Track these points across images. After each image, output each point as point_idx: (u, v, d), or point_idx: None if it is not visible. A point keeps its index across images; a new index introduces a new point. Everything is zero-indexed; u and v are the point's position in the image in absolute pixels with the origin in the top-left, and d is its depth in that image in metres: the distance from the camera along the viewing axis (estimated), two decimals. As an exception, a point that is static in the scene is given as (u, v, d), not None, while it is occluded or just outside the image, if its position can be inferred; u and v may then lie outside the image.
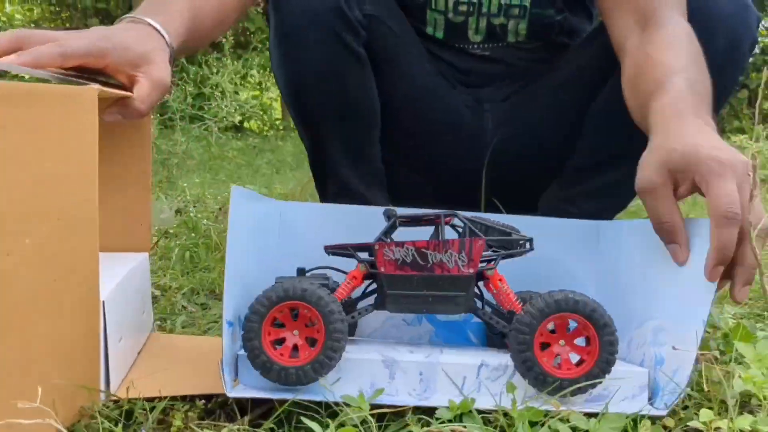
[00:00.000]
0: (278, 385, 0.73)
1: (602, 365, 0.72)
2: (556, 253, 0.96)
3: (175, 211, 1.89)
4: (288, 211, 0.97)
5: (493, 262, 0.81)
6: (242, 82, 5.01)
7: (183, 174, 2.66)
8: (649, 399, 0.75)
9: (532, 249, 0.81)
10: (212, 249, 1.39)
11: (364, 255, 0.81)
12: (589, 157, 1.31)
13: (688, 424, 0.70)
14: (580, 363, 0.74)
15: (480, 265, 0.79)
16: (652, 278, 0.82)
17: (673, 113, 0.86)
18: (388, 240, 0.80)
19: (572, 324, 0.74)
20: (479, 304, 0.84)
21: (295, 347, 0.74)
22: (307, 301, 0.73)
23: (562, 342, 0.74)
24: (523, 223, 0.87)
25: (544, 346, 0.74)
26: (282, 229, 0.96)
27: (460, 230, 0.83)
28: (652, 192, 0.79)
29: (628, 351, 0.84)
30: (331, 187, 1.43)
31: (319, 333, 0.73)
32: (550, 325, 0.74)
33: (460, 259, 0.78)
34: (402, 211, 0.85)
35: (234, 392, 0.72)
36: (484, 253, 0.79)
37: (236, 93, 3.73)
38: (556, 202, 1.37)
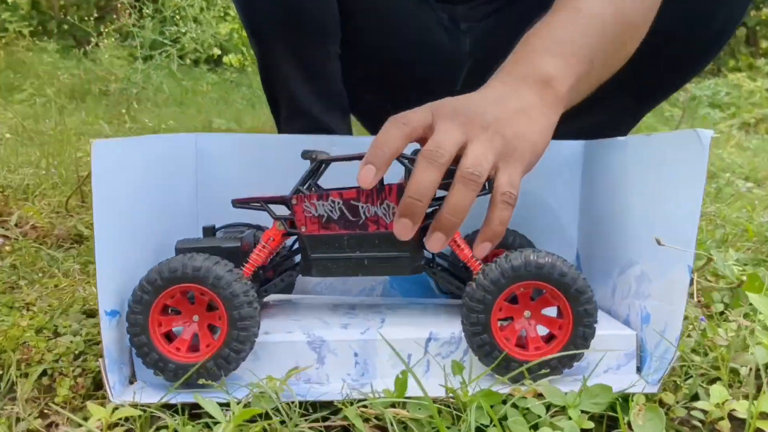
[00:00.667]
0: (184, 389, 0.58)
1: (578, 341, 0.58)
2: (534, 182, 0.80)
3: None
4: (206, 146, 0.81)
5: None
6: (222, 14, 4.77)
7: (149, 108, 2.49)
8: (638, 367, 0.62)
9: (489, 191, 0.62)
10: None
11: (282, 209, 0.64)
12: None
13: (693, 404, 0.55)
14: (550, 339, 0.59)
15: (426, 218, 0.61)
16: (636, 210, 0.66)
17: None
18: (309, 191, 0.63)
19: (538, 291, 0.59)
20: (430, 259, 0.69)
21: (196, 337, 0.59)
22: (201, 283, 0.57)
23: (527, 313, 0.59)
24: None
25: (505, 321, 0.59)
26: (199, 169, 0.81)
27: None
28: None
29: (613, 302, 0.70)
30: (284, 108, 1.28)
31: (221, 320, 0.58)
32: (510, 296, 0.59)
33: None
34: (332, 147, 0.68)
35: (120, 398, 0.56)
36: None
37: (211, 24, 3.49)
38: None
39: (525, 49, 0.71)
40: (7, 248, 0.98)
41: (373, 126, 1.43)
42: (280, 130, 1.34)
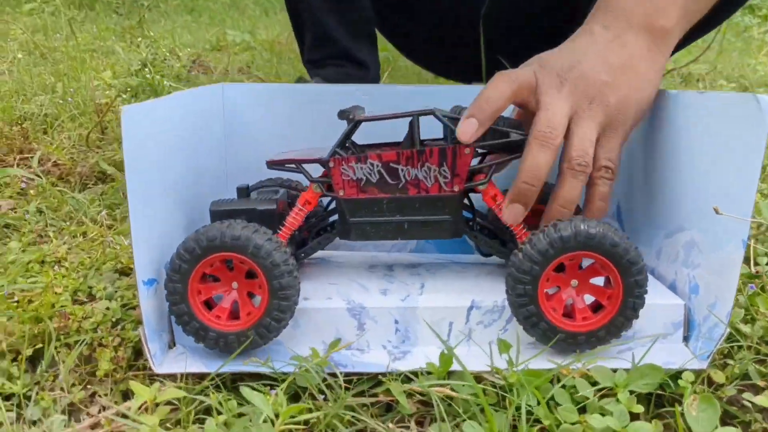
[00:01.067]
0: (225, 357, 0.57)
1: (628, 312, 0.56)
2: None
3: (142, 65, 1.67)
4: (233, 97, 0.78)
5: (485, 174, 0.61)
6: None
7: (159, 17, 2.40)
8: (685, 337, 0.60)
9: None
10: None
11: (317, 170, 0.62)
12: None
13: (746, 381, 0.54)
14: (598, 308, 0.57)
15: (468, 181, 0.60)
16: (687, 172, 0.62)
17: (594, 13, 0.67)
18: (346, 154, 0.61)
19: (587, 260, 0.57)
20: (470, 220, 0.67)
21: (236, 305, 0.58)
22: (241, 252, 0.56)
23: (574, 282, 0.57)
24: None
25: (552, 291, 0.58)
26: (227, 121, 0.78)
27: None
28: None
29: (658, 263, 0.68)
30: (309, 35, 1.23)
31: (261, 289, 0.57)
32: (558, 265, 0.56)
33: (441, 173, 0.60)
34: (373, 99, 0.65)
35: (163, 368, 0.56)
36: (473, 163, 0.60)
37: None
38: None
39: None
40: (32, 191, 0.96)
41: (402, 46, 1.38)
42: (304, 58, 1.29)
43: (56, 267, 0.76)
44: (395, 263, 0.72)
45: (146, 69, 1.58)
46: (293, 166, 0.63)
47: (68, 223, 0.88)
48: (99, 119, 1.17)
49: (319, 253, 0.77)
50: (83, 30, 2.16)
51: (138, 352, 0.61)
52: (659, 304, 0.60)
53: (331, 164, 0.60)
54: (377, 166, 0.60)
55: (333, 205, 0.68)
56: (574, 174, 0.59)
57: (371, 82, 1.28)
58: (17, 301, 0.66)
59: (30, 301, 0.65)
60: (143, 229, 0.56)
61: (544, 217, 0.61)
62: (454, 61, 1.33)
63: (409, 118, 0.61)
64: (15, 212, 0.92)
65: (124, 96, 1.40)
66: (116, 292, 0.69)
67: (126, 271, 0.74)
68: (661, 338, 0.60)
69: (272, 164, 0.64)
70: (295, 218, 0.62)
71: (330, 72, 1.24)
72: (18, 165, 1.07)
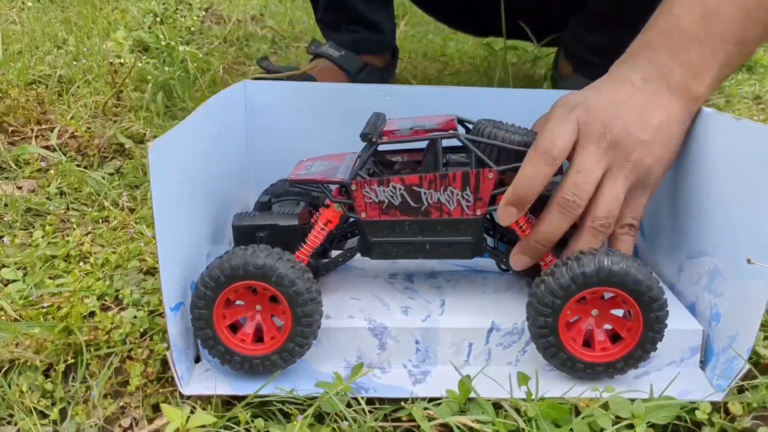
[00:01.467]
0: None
1: (647, 346, 0.57)
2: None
3: (154, 18, 1.64)
4: (255, 95, 0.77)
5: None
6: None
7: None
8: (702, 362, 0.61)
9: (561, 173, 0.61)
10: (191, 84, 1.19)
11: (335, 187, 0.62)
12: (600, 5, 1.08)
13: (763, 413, 0.55)
14: (617, 339, 0.58)
15: (490, 204, 0.60)
16: (718, 198, 0.61)
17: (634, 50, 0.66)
18: (368, 177, 0.61)
19: (608, 294, 0.57)
20: (491, 241, 0.68)
21: (260, 327, 0.59)
22: (265, 281, 0.56)
23: (594, 312, 0.58)
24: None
25: (572, 321, 0.58)
26: (249, 120, 0.77)
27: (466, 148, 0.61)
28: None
29: (678, 280, 0.68)
30: (322, 2, 1.22)
31: (284, 315, 0.57)
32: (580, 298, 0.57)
33: (463, 197, 0.60)
34: (391, 123, 0.63)
35: (190, 388, 0.58)
36: (498, 188, 0.60)
37: None
38: (576, 49, 1.18)
39: (669, 23, 0.64)
40: (52, 171, 0.97)
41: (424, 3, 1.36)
42: (317, 16, 1.27)
43: (81, 263, 0.77)
44: (416, 272, 0.73)
45: (158, 25, 1.56)
46: (315, 186, 0.63)
47: (90, 209, 0.89)
48: (114, 89, 1.16)
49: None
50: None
51: (166, 363, 0.62)
52: (678, 329, 0.61)
53: (354, 187, 0.60)
54: (400, 189, 0.60)
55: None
56: (595, 233, 0.59)
57: (385, 45, 1.26)
58: (46, 308, 0.67)
59: (59, 308, 0.67)
60: (170, 258, 0.57)
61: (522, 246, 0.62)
62: (469, 14, 1.30)
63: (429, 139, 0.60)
64: (36, 194, 0.93)
65: (139, 57, 1.38)
66: (142, 297, 0.70)
67: (150, 271, 0.75)
68: (677, 362, 0.61)
69: (294, 183, 0.64)
70: (317, 237, 0.63)
71: (345, 37, 1.22)
72: (36, 137, 1.07)
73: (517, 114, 0.67)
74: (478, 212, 0.60)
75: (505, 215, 0.59)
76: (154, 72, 1.25)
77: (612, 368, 0.57)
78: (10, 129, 1.08)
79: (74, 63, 1.30)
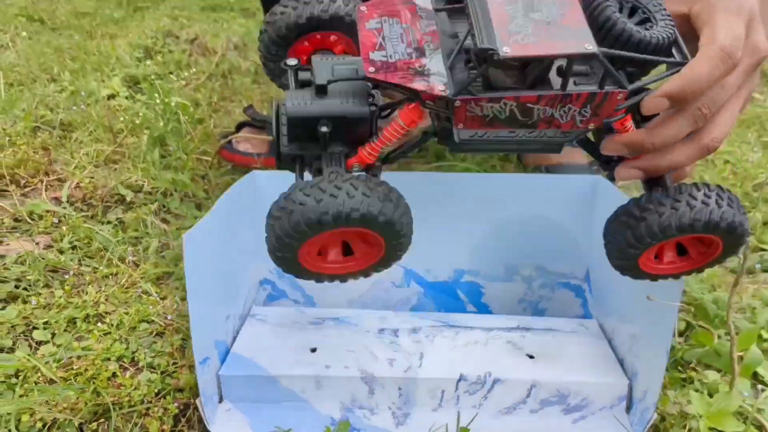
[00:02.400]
0: (263, 411, 0.73)
1: (712, 263, 0.60)
2: (552, 210, 0.92)
3: (144, 52, 1.76)
4: (263, 184, 0.90)
5: (624, 110, 0.57)
6: None
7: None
8: (627, 408, 0.77)
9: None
10: (183, 135, 1.32)
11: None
12: None
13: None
14: (684, 254, 0.61)
15: (609, 118, 0.55)
16: None
17: None
18: (477, 94, 0.51)
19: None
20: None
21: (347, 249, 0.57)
22: (358, 225, 0.52)
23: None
24: (516, 182, 0.85)
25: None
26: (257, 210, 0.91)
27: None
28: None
29: (613, 338, 0.85)
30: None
31: (377, 244, 0.55)
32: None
33: (580, 113, 0.53)
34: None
35: (216, 428, 0.73)
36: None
37: None
38: None
39: None
40: (64, 228, 1.10)
41: None
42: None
43: (99, 323, 0.91)
44: (400, 328, 0.87)
45: (149, 56, 1.68)
46: (402, 90, 0.53)
47: (100, 266, 1.03)
48: (114, 144, 1.29)
49: (337, 313, 0.91)
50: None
51: (176, 418, 0.77)
52: (610, 382, 0.77)
53: (458, 103, 0.51)
54: (511, 105, 0.52)
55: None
56: (703, 150, 0.57)
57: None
58: (75, 369, 0.82)
59: (86, 370, 0.81)
60: (199, 323, 0.71)
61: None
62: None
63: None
64: (52, 249, 1.06)
65: (132, 96, 1.50)
66: (154, 359, 0.84)
67: (160, 333, 0.90)
68: (608, 408, 0.77)
69: (373, 81, 0.53)
70: (392, 135, 0.56)
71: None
72: (46, 188, 1.20)
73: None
74: (591, 126, 0.54)
75: (654, 105, 0.54)
76: (147, 113, 1.37)
77: (673, 277, 0.62)
78: (22, 182, 1.20)
79: (74, 108, 1.42)
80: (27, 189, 1.20)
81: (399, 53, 0.53)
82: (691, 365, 0.85)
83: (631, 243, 0.58)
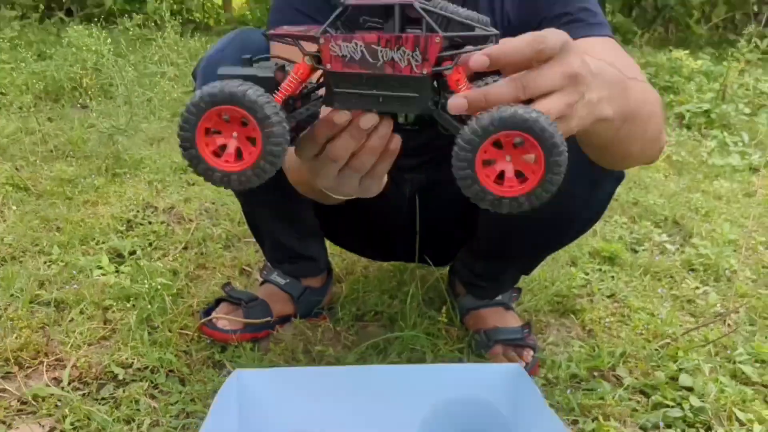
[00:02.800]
0: None
1: (546, 185, 0.70)
2: (476, 396, 1.10)
3: (127, 224, 1.96)
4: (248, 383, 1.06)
5: (451, 60, 0.72)
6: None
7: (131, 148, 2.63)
8: None
9: (497, 43, 0.72)
10: (167, 313, 1.50)
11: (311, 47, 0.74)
12: (480, 246, 1.47)
13: None
14: (523, 178, 0.71)
15: (436, 65, 0.71)
16: None
17: None
18: (335, 32, 0.73)
19: (519, 140, 0.70)
20: (436, 104, 0.76)
21: (239, 152, 0.73)
22: (237, 104, 0.70)
23: (508, 157, 0.71)
24: (445, 374, 1.03)
25: (488, 162, 0.71)
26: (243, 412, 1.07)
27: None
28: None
29: None
30: (267, 243, 1.55)
31: (256, 135, 0.71)
32: (496, 141, 0.70)
33: (413, 57, 0.71)
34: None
35: None
36: (443, 52, 0.71)
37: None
38: (466, 275, 1.56)
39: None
40: (66, 409, 1.25)
41: (344, 244, 1.70)
42: (266, 257, 1.59)
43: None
44: None
45: (130, 228, 1.87)
46: (290, 40, 0.76)
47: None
48: (106, 322, 1.46)
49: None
50: (60, 165, 2.41)
51: None
52: None
53: (322, 40, 0.72)
54: (360, 45, 0.71)
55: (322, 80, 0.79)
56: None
57: (321, 269, 1.60)
58: None
59: None
60: None
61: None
62: (385, 251, 1.66)
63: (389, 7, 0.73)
64: (56, 430, 1.21)
65: (117, 268, 1.69)
66: None
67: None
68: None
69: (273, 36, 0.78)
70: (289, 84, 0.75)
71: (288, 268, 1.56)
72: (47, 370, 1.35)
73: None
74: (425, 71, 0.71)
75: (478, 61, 0.70)
76: (134, 290, 1.55)
77: (516, 202, 0.71)
78: (25, 364, 1.36)
79: (65, 286, 1.60)
80: (29, 370, 1.35)
81: (295, 29, 0.76)
82: None
83: (461, 146, 0.70)
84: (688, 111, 3.51)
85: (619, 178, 1.28)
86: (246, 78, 0.73)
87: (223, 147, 0.74)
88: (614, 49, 1.17)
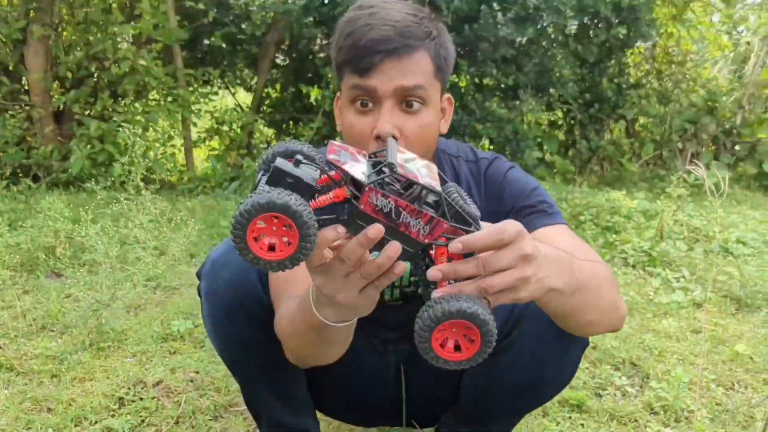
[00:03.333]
0: None
1: (482, 353, 0.96)
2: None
3: (119, 402, 2.02)
4: None
5: (446, 239, 0.96)
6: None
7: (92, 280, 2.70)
8: None
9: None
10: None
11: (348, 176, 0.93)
12: (463, 410, 1.60)
13: None
14: (459, 349, 0.96)
15: (436, 240, 0.95)
16: None
17: None
18: (380, 187, 0.91)
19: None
20: (422, 262, 1.01)
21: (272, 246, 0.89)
22: (283, 213, 0.87)
23: (454, 330, 0.96)
24: None
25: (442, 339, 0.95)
26: None
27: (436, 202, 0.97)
28: None
29: None
30: (265, 422, 1.65)
31: (293, 235, 0.88)
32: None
33: (423, 229, 0.93)
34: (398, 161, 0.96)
35: None
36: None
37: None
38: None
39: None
40: None
41: (333, 414, 1.81)
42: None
43: None
44: None
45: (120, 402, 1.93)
46: (342, 174, 0.95)
47: None
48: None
49: None
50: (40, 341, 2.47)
51: None
52: None
53: (367, 189, 0.91)
54: (392, 204, 0.91)
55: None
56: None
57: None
58: None
59: None
60: None
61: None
62: (373, 416, 1.77)
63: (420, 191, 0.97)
64: None
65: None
66: None
67: None
68: None
69: (330, 163, 0.95)
70: (324, 200, 0.94)
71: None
72: None
73: None
74: (426, 240, 0.95)
75: (455, 246, 0.96)
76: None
77: (459, 364, 0.97)
78: None
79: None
80: None
81: (346, 160, 0.95)
82: None
83: (422, 327, 0.94)
84: (631, 250, 3.77)
85: (584, 345, 1.44)
86: (293, 180, 0.91)
87: (259, 238, 0.90)
88: (569, 234, 1.38)
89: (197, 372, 2.24)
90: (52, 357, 2.31)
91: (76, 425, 1.89)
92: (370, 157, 1.01)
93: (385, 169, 0.94)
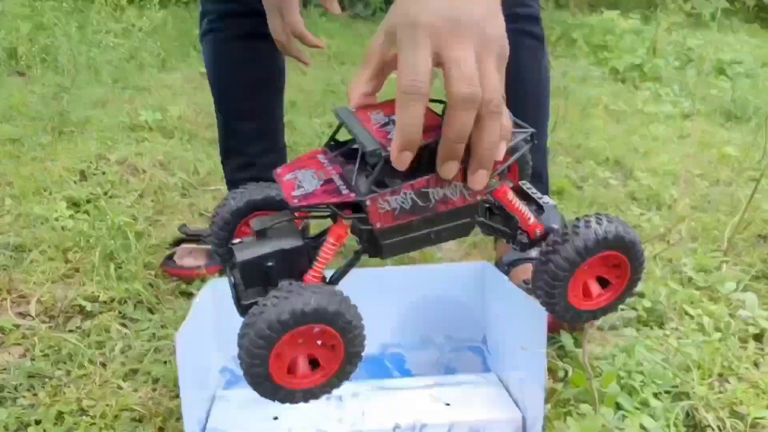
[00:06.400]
0: None
1: (629, 292, 0.73)
2: (452, 291, 1.16)
3: (80, 174, 1.93)
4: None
5: (498, 177, 0.69)
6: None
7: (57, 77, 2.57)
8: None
9: (534, 142, 0.70)
10: (130, 249, 1.50)
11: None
12: None
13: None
14: (607, 283, 0.73)
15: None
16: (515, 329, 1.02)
17: None
18: (381, 190, 0.63)
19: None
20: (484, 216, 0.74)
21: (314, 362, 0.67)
22: (333, 326, 0.63)
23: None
24: (422, 272, 1.09)
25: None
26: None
27: None
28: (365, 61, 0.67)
29: (510, 377, 1.07)
30: (235, 160, 1.52)
31: (337, 348, 0.65)
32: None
33: (465, 187, 0.65)
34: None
35: None
36: None
37: None
38: None
39: None
40: (35, 338, 1.24)
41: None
42: (227, 177, 1.57)
43: (84, 416, 1.06)
44: (343, 394, 1.05)
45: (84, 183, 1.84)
46: (327, 210, 0.65)
47: (73, 369, 1.18)
48: (68, 262, 1.45)
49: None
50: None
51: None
52: (508, 418, 0.99)
53: (368, 202, 0.63)
54: (410, 194, 0.64)
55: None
56: (493, 117, 0.61)
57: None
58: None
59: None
60: (188, 405, 0.89)
61: (471, 166, 0.63)
62: None
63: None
64: (26, 357, 1.20)
65: (74, 216, 1.67)
66: (141, 441, 1.01)
67: (137, 418, 1.06)
68: None
69: (299, 208, 0.64)
70: (327, 253, 0.67)
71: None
72: (11, 306, 1.34)
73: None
74: (479, 197, 0.67)
75: (401, 160, 0.61)
76: (95, 233, 1.54)
77: (602, 311, 0.74)
78: (-12, 301, 1.34)
79: (23, 231, 1.57)
80: (-7, 306, 1.34)
81: (314, 186, 0.65)
82: (570, 402, 1.10)
83: (553, 278, 0.69)
84: (622, 65, 3.63)
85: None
86: (275, 254, 0.66)
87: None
88: None
89: (165, 155, 2.14)
90: (11, 140, 2.20)
91: (36, 195, 1.80)
92: (331, 149, 0.70)
93: (371, 159, 0.64)
